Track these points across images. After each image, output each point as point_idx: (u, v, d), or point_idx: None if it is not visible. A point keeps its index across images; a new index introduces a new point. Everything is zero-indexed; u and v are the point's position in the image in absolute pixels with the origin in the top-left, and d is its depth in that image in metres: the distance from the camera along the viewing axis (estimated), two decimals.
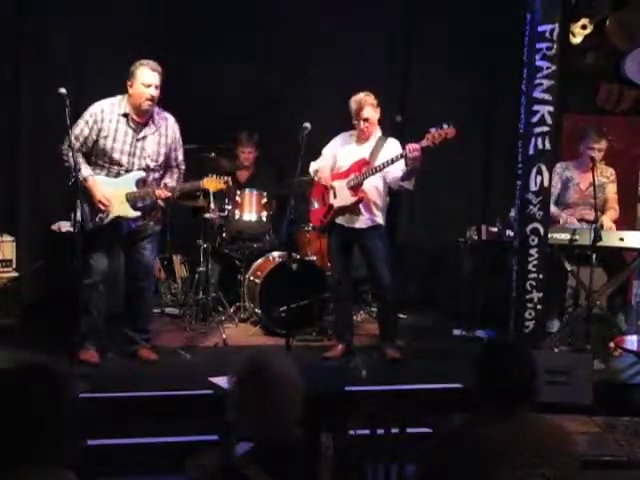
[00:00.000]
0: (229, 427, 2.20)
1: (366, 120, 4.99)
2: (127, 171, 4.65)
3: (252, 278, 5.99)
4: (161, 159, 4.76)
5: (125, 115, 4.63)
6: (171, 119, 4.82)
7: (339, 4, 6.63)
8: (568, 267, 5.29)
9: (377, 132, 5.10)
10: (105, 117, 4.60)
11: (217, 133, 6.27)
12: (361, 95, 5.01)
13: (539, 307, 4.77)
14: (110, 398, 4.20)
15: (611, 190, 5.63)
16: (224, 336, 5.45)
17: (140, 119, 4.67)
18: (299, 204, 5.67)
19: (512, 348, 2.47)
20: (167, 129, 4.78)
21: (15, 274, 5.60)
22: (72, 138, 4.55)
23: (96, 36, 6.02)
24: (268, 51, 6.58)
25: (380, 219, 5.09)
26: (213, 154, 6.06)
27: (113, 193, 4.60)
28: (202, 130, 6.17)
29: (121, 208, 4.65)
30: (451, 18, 6.67)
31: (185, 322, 5.88)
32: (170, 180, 4.80)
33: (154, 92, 4.62)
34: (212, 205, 5.96)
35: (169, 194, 4.73)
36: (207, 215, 6.00)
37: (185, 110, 6.38)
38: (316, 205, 5.22)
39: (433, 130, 4.67)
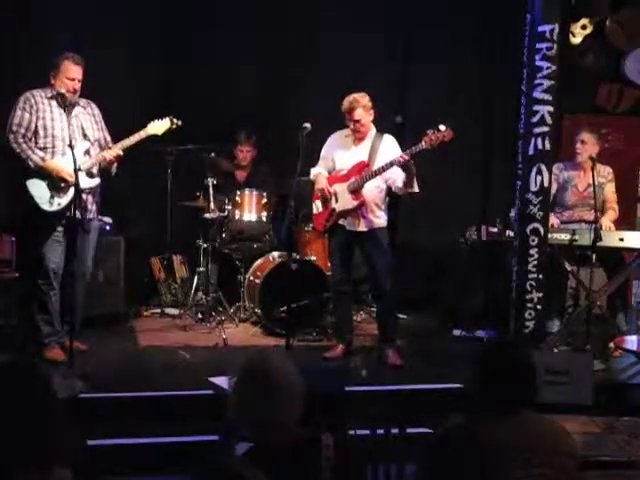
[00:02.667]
0: (229, 427, 2.20)
1: (357, 122, 4.97)
2: (71, 146, 4.66)
3: (252, 278, 5.99)
4: (97, 134, 4.92)
5: (53, 97, 4.72)
6: (93, 103, 4.97)
7: (339, 4, 6.63)
8: (568, 267, 5.29)
9: (372, 130, 5.10)
10: (37, 100, 4.73)
11: (217, 133, 6.26)
12: (353, 95, 4.96)
13: (539, 307, 4.77)
14: (110, 398, 4.20)
15: (610, 190, 5.62)
16: (224, 336, 5.45)
17: (68, 101, 4.75)
18: (299, 204, 5.67)
19: (512, 348, 2.47)
20: (93, 109, 4.96)
21: (15, 274, 5.59)
22: (14, 128, 4.69)
23: (96, 36, 6.01)
24: (268, 51, 6.57)
25: (381, 220, 5.09)
26: (213, 154, 6.05)
27: (66, 169, 4.65)
28: (202, 130, 6.18)
29: (80, 180, 4.67)
30: (451, 18, 6.67)
31: (185, 322, 5.88)
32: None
33: (77, 85, 4.76)
34: (212, 205, 5.97)
35: (119, 152, 4.84)
36: (207, 215, 6.00)
37: (185, 110, 6.41)
38: (319, 208, 5.22)
39: (430, 132, 4.66)
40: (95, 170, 4.87)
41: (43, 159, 4.69)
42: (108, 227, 5.85)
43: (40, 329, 4.80)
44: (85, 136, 4.85)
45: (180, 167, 6.24)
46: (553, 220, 5.40)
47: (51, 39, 6.07)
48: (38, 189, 4.71)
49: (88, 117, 4.91)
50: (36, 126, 4.72)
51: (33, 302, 4.89)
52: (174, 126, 5.06)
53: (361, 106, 4.95)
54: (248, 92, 6.61)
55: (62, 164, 4.67)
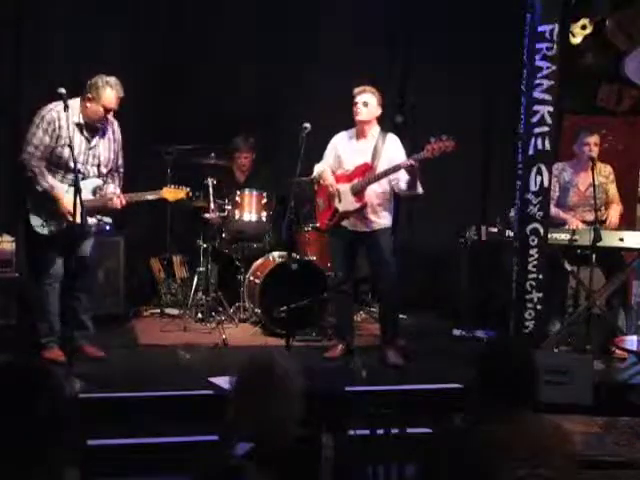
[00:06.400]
0: (229, 427, 2.20)
1: (365, 105, 4.96)
2: (83, 178, 4.61)
3: (252, 278, 5.99)
4: (111, 164, 4.82)
5: (78, 125, 4.61)
6: (116, 123, 4.83)
7: (339, 4, 6.63)
8: (568, 267, 5.29)
9: (376, 129, 5.10)
10: (62, 125, 4.52)
11: (216, 133, 6.26)
12: (366, 85, 5.01)
13: (539, 307, 4.78)
14: (110, 398, 4.20)
15: (612, 191, 5.60)
16: (224, 336, 5.45)
17: (91, 128, 4.68)
18: (299, 204, 5.67)
19: (512, 348, 2.47)
20: (114, 133, 4.82)
21: (16, 274, 5.59)
22: (30, 149, 4.56)
23: (96, 36, 6.02)
24: (268, 51, 6.58)
25: (385, 221, 5.10)
26: (212, 154, 6.05)
27: (71, 201, 4.46)
28: (201, 130, 6.18)
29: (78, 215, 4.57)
30: (451, 18, 6.67)
31: (185, 322, 5.88)
32: (114, 186, 4.83)
33: (110, 115, 4.66)
34: (212, 205, 5.97)
35: (124, 203, 4.74)
36: (207, 215, 6.00)
37: (185, 110, 6.43)
38: (323, 206, 5.22)
39: (432, 141, 4.66)
40: (97, 212, 4.76)
41: (52, 187, 4.57)
42: (108, 227, 5.83)
43: (39, 330, 4.80)
44: (99, 171, 4.74)
45: (180, 167, 6.22)
46: (571, 218, 5.41)
47: (51, 39, 6.08)
48: (36, 210, 4.64)
49: (107, 144, 4.76)
50: (53, 151, 4.58)
51: (32, 303, 4.88)
52: (188, 198, 5.09)
53: (369, 92, 4.98)
54: (248, 92, 6.61)
55: (67, 199, 4.51)
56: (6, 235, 5.68)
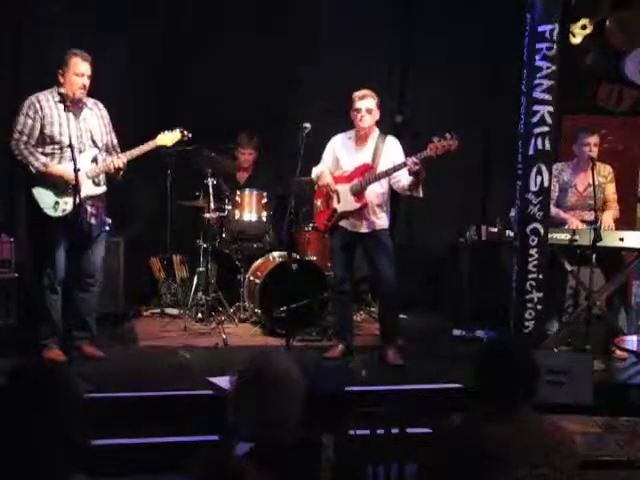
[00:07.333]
0: (229, 427, 2.20)
1: (369, 112, 4.95)
2: (80, 152, 4.66)
3: (252, 278, 5.99)
4: (105, 138, 4.86)
5: (62, 101, 4.65)
6: (100, 103, 4.91)
7: (339, 5, 6.63)
8: (568, 267, 5.29)
9: (375, 132, 5.10)
10: (44, 105, 4.65)
11: (217, 133, 6.26)
12: (365, 90, 4.99)
13: (539, 307, 4.77)
14: (110, 398, 4.20)
15: (610, 190, 5.59)
16: (224, 336, 5.45)
17: (75, 104, 4.71)
18: (299, 204, 5.67)
19: (512, 348, 2.47)
20: (101, 111, 4.89)
21: (15, 274, 5.59)
22: (16, 135, 4.62)
23: (96, 36, 6.01)
24: (268, 51, 6.58)
25: (383, 222, 5.09)
26: (213, 154, 6.05)
27: (70, 174, 4.52)
28: (202, 130, 6.16)
29: (85, 187, 4.67)
30: (451, 18, 6.67)
31: (185, 322, 5.88)
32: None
33: (86, 81, 4.71)
34: (212, 205, 5.97)
35: (125, 160, 4.78)
36: (207, 215, 6.00)
37: (185, 110, 6.43)
38: (321, 207, 5.22)
39: (436, 140, 4.65)
40: (102, 178, 4.83)
41: (45, 165, 4.61)
42: (108, 227, 5.84)
43: (41, 330, 4.81)
44: (94, 142, 4.78)
45: (180, 167, 6.22)
46: (571, 218, 5.41)
47: (51, 39, 6.07)
48: (42, 195, 4.65)
49: (96, 120, 4.82)
50: (42, 132, 4.64)
51: (34, 303, 4.88)
52: (185, 138, 5.04)
53: (370, 97, 4.96)
54: (248, 92, 6.61)
55: (68, 169, 4.55)
56: (5, 235, 5.68)
